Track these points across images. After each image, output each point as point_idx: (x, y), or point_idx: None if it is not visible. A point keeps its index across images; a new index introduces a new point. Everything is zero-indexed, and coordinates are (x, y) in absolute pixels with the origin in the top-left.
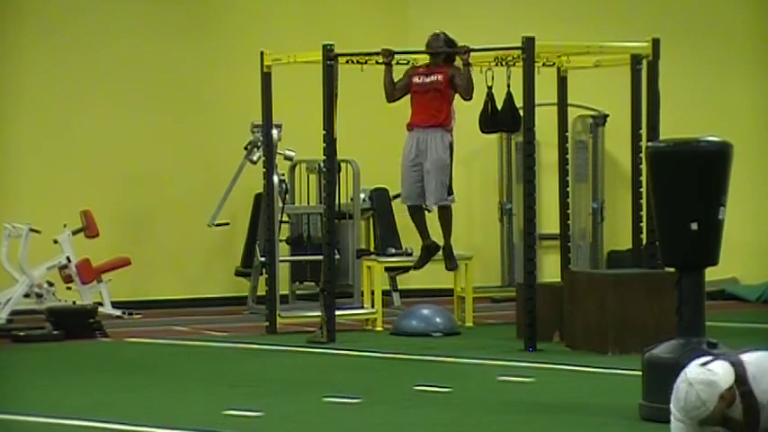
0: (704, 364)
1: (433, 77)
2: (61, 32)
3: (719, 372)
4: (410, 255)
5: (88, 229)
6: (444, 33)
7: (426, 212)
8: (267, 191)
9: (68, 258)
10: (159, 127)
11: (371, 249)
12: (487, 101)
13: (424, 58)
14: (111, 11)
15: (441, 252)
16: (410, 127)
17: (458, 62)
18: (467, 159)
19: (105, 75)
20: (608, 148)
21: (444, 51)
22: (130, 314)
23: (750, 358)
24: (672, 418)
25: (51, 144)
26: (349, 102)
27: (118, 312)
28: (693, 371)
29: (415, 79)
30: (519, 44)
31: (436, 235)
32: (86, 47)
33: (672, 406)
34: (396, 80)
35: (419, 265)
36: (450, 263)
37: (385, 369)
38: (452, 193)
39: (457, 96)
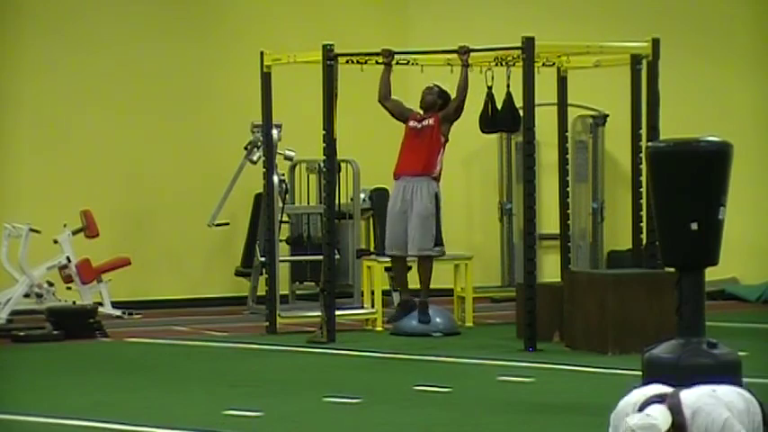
0: (642, 407)
1: (425, 122)
2: (61, 33)
3: (659, 416)
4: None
5: (88, 229)
6: (437, 86)
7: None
8: (267, 191)
9: (68, 258)
10: (159, 127)
11: (371, 249)
12: (487, 101)
13: (424, 59)
14: (111, 11)
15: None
16: (397, 176)
17: (457, 61)
18: (467, 159)
19: (105, 75)
20: (608, 148)
21: (444, 51)
22: (130, 314)
23: (688, 400)
24: None
25: (51, 144)
26: (349, 102)
27: (118, 312)
28: (634, 418)
29: (411, 123)
30: (519, 44)
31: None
32: (86, 47)
33: None
34: (403, 103)
35: (395, 319)
36: (423, 317)
37: (385, 369)
38: (441, 245)
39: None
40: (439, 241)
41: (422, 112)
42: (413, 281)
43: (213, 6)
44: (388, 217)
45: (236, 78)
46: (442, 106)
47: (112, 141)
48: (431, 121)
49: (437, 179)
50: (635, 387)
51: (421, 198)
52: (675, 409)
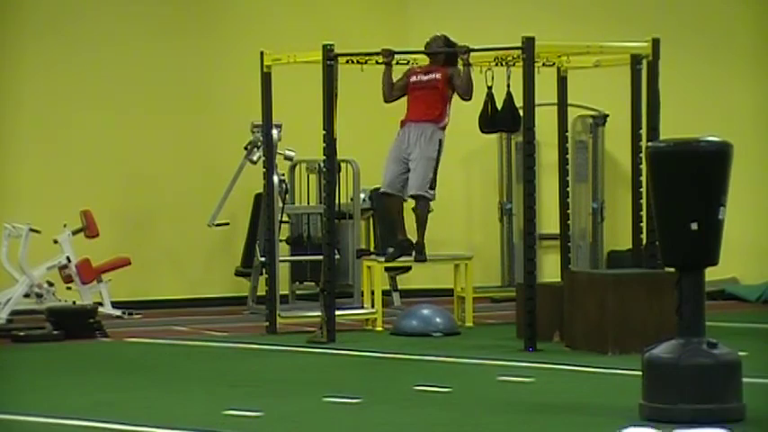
0: None
1: (430, 75)
2: (61, 32)
3: None
4: (410, 255)
5: (88, 229)
6: (445, 35)
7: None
8: (267, 191)
9: (68, 258)
10: (159, 127)
11: (371, 249)
12: (487, 101)
13: (423, 59)
14: (111, 11)
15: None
16: (403, 123)
17: (459, 63)
18: (467, 159)
19: (105, 75)
20: (608, 148)
21: (444, 51)
22: (130, 314)
23: None
24: None
25: (51, 144)
26: (349, 102)
27: (118, 312)
28: None
29: (413, 78)
30: (519, 44)
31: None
32: (86, 47)
33: None
34: (395, 81)
35: (390, 259)
36: (419, 255)
37: (385, 369)
38: (434, 189)
39: (455, 98)
40: (432, 185)
41: (426, 65)
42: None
43: (213, 6)
44: (389, 157)
45: (236, 78)
46: (447, 59)
47: (112, 141)
48: (437, 75)
49: (444, 128)
50: (632, 425)
51: (425, 141)
52: None
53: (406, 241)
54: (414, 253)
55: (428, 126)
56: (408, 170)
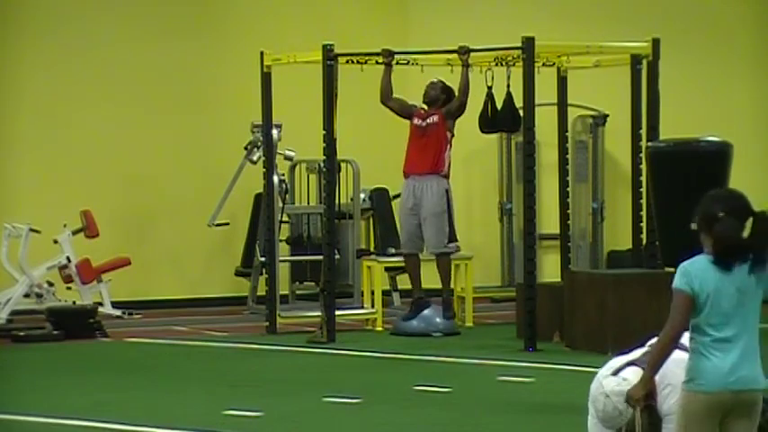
0: (617, 371)
1: (429, 120)
2: (61, 33)
3: (634, 381)
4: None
5: (88, 229)
6: (441, 81)
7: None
8: (267, 191)
9: (68, 258)
10: (159, 127)
11: (371, 249)
12: (487, 101)
13: (423, 59)
14: (112, 11)
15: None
16: (406, 174)
17: (457, 60)
18: (467, 159)
19: (105, 75)
20: (608, 148)
21: (444, 51)
22: (130, 314)
23: None
24: (589, 418)
25: (51, 144)
26: (349, 102)
27: (118, 312)
28: (609, 382)
29: (415, 121)
30: (519, 44)
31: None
32: (86, 47)
33: (590, 409)
34: (402, 99)
35: (408, 318)
36: (447, 312)
37: (385, 369)
38: (456, 240)
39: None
40: (452, 237)
41: (426, 108)
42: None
43: (213, 6)
44: (400, 215)
45: (236, 78)
46: (446, 101)
47: (112, 141)
48: (435, 119)
49: (446, 176)
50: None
51: (431, 196)
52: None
53: (422, 299)
54: (443, 309)
55: (432, 178)
56: (420, 226)
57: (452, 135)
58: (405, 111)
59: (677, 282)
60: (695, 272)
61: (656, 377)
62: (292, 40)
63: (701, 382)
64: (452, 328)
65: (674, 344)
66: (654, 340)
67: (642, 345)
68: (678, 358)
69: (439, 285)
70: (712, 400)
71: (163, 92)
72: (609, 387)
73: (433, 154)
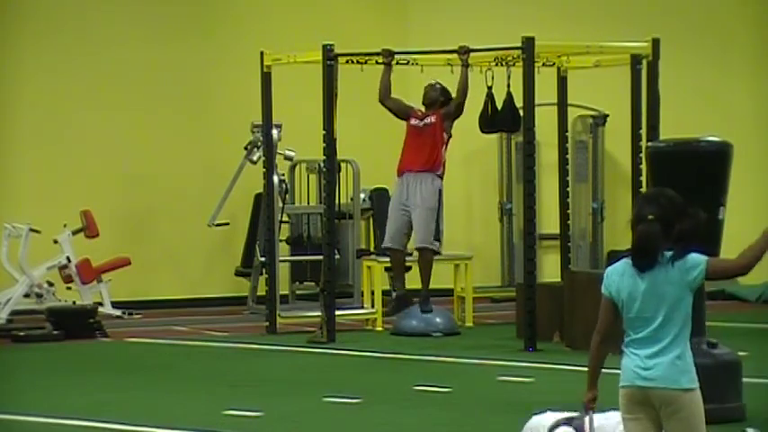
0: (553, 428)
1: (426, 120)
2: (61, 33)
3: None
4: (410, 255)
5: (88, 229)
6: (440, 83)
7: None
8: (267, 191)
9: (68, 258)
10: (159, 127)
11: (371, 249)
12: (487, 101)
13: (424, 59)
14: (112, 11)
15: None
16: (400, 172)
17: (457, 60)
18: (467, 159)
19: (105, 75)
20: (608, 148)
21: (444, 51)
22: (130, 314)
23: (593, 424)
24: None
25: (51, 144)
26: (349, 102)
27: (118, 312)
28: None
29: (412, 122)
30: (519, 44)
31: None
32: (86, 47)
33: None
34: (401, 99)
35: (390, 313)
36: (425, 306)
37: (385, 369)
38: (439, 241)
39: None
40: (437, 236)
41: (423, 109)
42: (412, 279)
43: (213, 6)
44: (390, 211)
45: (236, 78)
46: (444, 103)
47: (113, 141)
48: (433, 119)
49: (441, 176)
50: (549, 409)
51: (425, 191)
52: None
53: (404, 295)
54: (419, 305)
55: (426, 175)
56: (408, 224)
57: (449, 136)
58: (402, 111)
59: (602, 285)
60: (613, 276)
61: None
62: (292, 40)
63: (621, 378)
64: (453, 327)
65: (599, 346)
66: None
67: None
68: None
69: (437, 285)
70: (626, 395)
71: (163, 92)
72: None
73: (429, 152)
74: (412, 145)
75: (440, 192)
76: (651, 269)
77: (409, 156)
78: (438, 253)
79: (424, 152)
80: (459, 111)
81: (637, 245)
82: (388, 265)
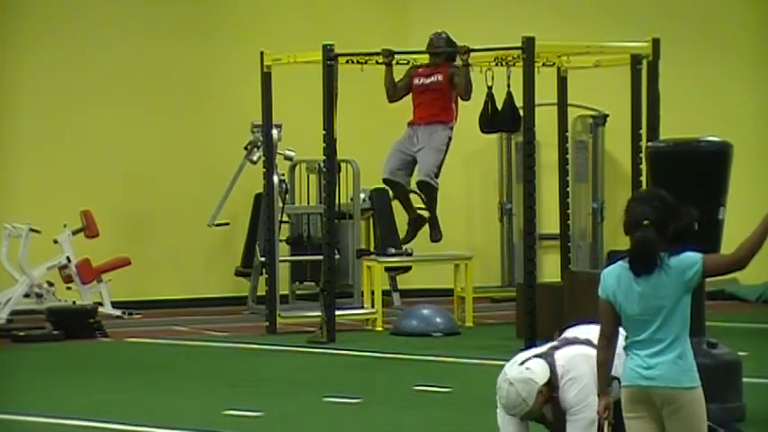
0: (523, 362)
1: (433, 78)
2: (61, 33)
3: (537, 370)
4: (410, 255)
5: (88, 229)
6: (446, 33)
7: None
8: (267, 191)
9: (68, 258)
10: (159, 127)
11: (371, 249)
12: (487, 101)
13: (424, 59)
14: (111, 11)
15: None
16: (410, 123)
17: (458, 62)
18: (467, 159)
19: (105, 75)
20: (608, 148)
21: (444, 51)
22: (130, 314)
23: (562, 359)
24: (497, 410)
25: (51, 144)
26: (349, 102)
27: (118, 312)
28: (513, 370)
29: (416, 81)
30: (519, 44)
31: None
32: (86, 47)
33: (497, 400)
34: (396, 80)
35: (407, 239)
36: (435, 233)
37: (385, 369)
38: (437, 179)
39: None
40: (438, 174)
41: (427, 64)
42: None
43: (213, 6)
44: (393, 148)
45: (236, 78)
46: (449, 57)
47: (112, 141)
48: (439, 77)
49: (452, 128)
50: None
51: (434, 136)
52: (551, 367)
53: (418, 218)
54: (430, 230)
55: (437, 126)
56: (410, 164)
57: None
58: (409, 86)
59: (599, 289)
60: (609, 279)
61: (560, 370)
62: (292, 40)
63: (622, 378)
64: (453, 327)
65: (606, 350)
66: (571, 330)
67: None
68: (582, 353)
69: (437, 285)
70: (628, 394)
71: (163, 92)
72: (512, 375)
73: (440, 105)
74: (421, 102)
75: (448, 138)
76: (650, 274)
77: (419, 111)
78: (436, 188)
79: (435, 105)
80: (465, 98)
81: (635, 252)
82: (389, 265)
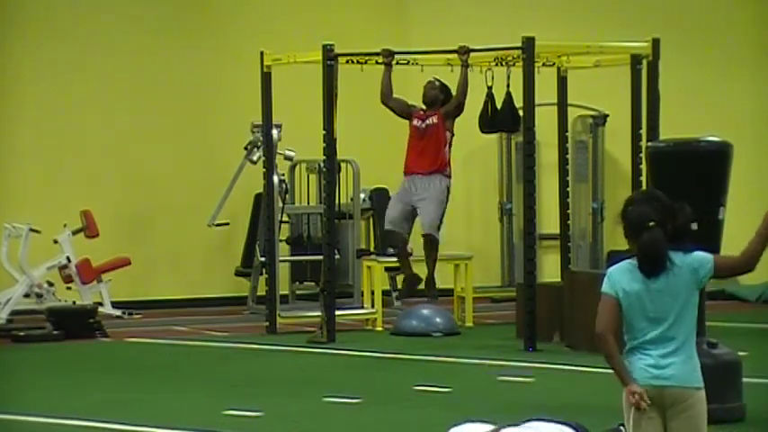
0: None
1: (428, 121)
2: (62, 34)
3: None
4: (410, 255)
5: (88, 229)
6: (439, 80)
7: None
8: (267, 191)
9: (68, 258)
10: (159, 127)
11: (371, 249)
12: (487, 101)
13: (424, 59)
14: (112, 12)
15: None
16: (407, 172)
17: (457, 61)
18: (467, 159)
19: (106, 76)
20: (608, 148)
21: (445, 51)
22: (130, 314)
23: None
24: None
25: (51, 144)
26: (349, 102)
27: (118, 312)
28: None
29: (415, 122)
30: (519, 44)
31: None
32: (87, 48)
33: None
34: (399, 97)
35: (403, 296)
36: (431, 292)
37: (385, 369)
38: (439, 231)
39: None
40: (439, 227)
41: (425, 108)
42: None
43: (214, 7)
44: (393, 199)
45: (236, 78)
46: (444, 101)
47: (112, 141)
48: (434, 120)
49: (449, 176)
50: (468, 420)
51: (433, 188)
52: None
53: (413, 277)
54: (425, 289)
55: (435, 176)
56: (410, 215)
57: (452, 135)
58: (404, 111)
59: (604, 286)
60: (618, 276)
61: None
62: (292, 40)
63: (633, 378)
64: (453, 327)
65: (615, 344)
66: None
67: None
68: (535, 426)
69: (437, 285)
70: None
71: (163, 92)
72: None
73: (434, 154)
74: (416, 146)
75: (448, 189)
76: (661, 274)
77: (415, 158)
78: (438, 242)
79: (429, 154)
80: (458, 110)
81: (646, 254)
82: (389, 265)
